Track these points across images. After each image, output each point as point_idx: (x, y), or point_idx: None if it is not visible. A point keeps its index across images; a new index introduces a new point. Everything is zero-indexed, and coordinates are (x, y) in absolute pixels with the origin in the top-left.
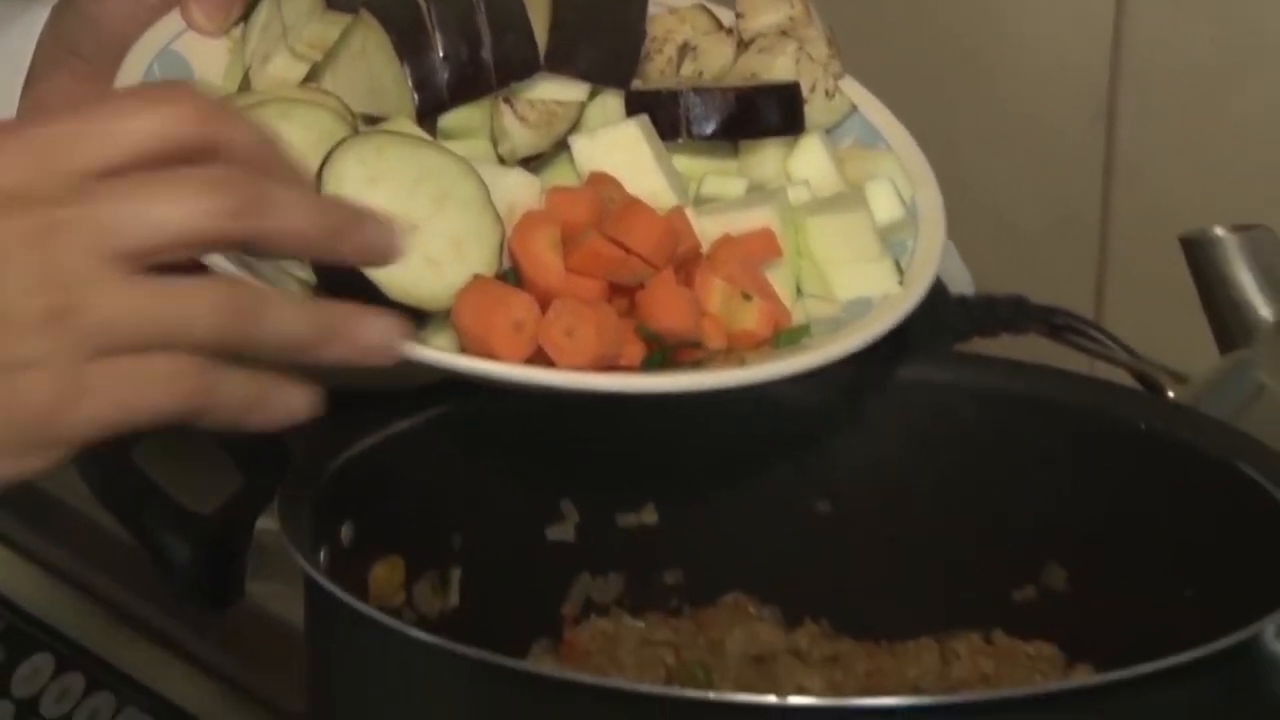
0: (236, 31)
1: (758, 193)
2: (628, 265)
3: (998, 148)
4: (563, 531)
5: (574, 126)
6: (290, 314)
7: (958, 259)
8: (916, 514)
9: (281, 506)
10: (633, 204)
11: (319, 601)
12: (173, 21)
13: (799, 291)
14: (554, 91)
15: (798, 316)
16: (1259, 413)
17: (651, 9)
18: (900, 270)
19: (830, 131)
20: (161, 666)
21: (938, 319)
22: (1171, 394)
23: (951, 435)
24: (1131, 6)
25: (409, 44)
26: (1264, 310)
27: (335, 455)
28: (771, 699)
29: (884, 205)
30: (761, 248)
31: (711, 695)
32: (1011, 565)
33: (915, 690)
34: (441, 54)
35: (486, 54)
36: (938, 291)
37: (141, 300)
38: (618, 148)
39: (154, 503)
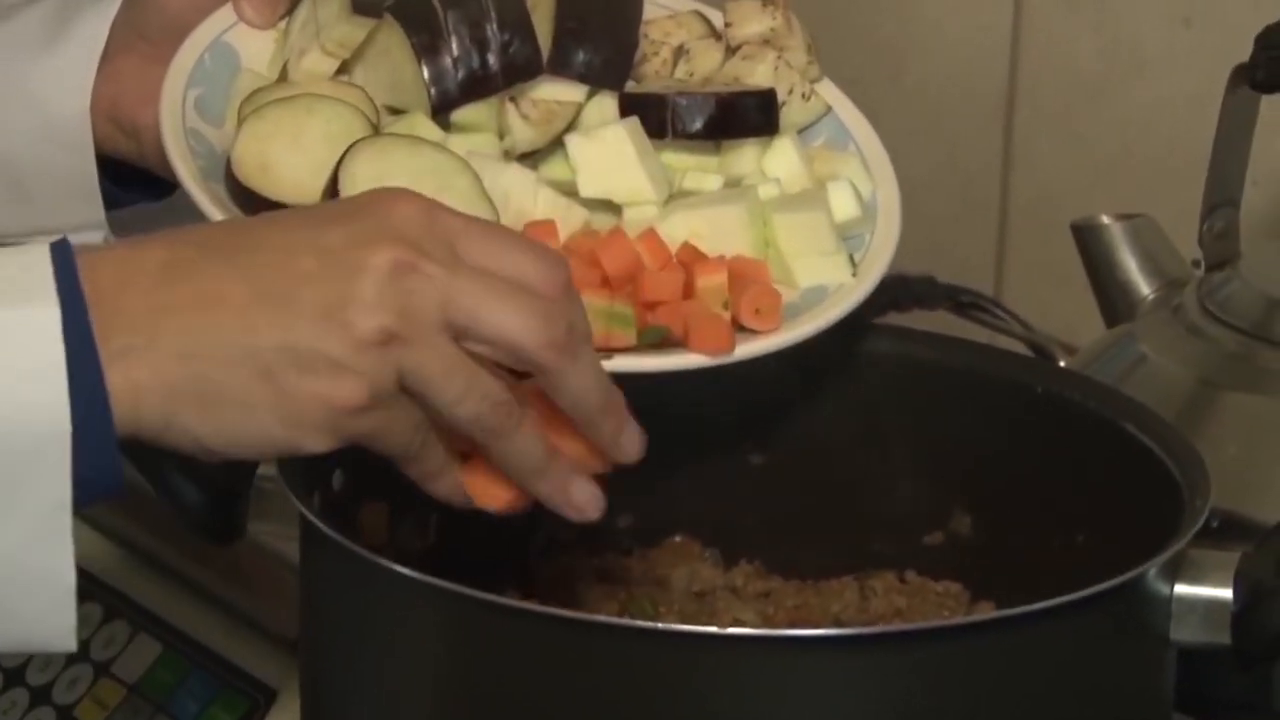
0: (283, 24)
1: (732, 189)
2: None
3: (908, 141)
4: None
5: (571, 125)
6: (531, 445)
7: None
8: (839, 467)
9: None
10: (614, 232)
11: (312, 540)
12: (226, 14)
13: None
14: (555, 92)
15: None
16: (1140, 379)
17: (652, 12)
18: (854, 263)
19: (804, 130)
20: (171, 597)
21: None
22: (1063, 363)
23: (871, 398)
24: (1027, 17)
25: (426, 47)
26: (1145, 289)
27: None
28: (712, 629)
29: (842, 205)
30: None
31: (659, 625)
32: (923, 513)
33: (837, 623)
34: (455, 56)
35: (494, 57)
36: None
37: (453, 361)
38: (607, 147)
39: (168, 451)
